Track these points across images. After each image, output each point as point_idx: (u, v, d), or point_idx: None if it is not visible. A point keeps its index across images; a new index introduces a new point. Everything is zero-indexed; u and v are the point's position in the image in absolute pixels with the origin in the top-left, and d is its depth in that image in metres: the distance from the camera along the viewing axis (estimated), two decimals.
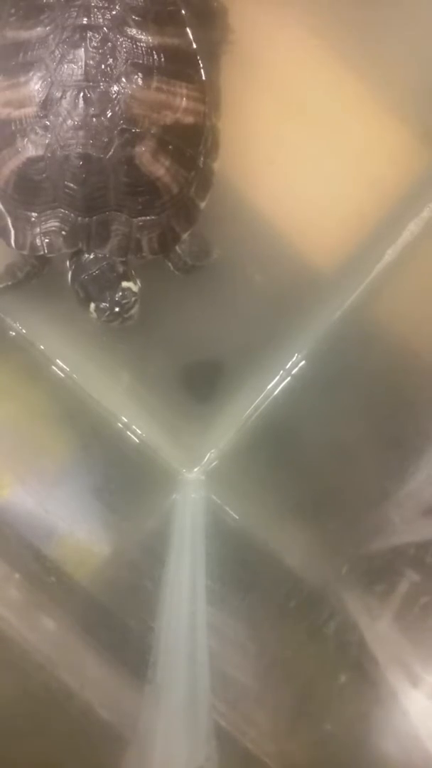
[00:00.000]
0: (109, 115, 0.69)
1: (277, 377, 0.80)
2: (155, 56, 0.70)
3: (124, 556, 0.78)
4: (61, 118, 0.69)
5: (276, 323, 0.81)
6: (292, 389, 0.80)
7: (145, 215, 0.72)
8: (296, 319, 0.81)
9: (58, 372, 0.80)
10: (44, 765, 0.67)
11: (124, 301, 0.73)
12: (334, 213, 0.82)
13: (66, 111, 0.69)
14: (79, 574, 0.76)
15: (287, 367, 0.80)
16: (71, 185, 0.70)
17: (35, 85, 0.69)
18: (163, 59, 0.70)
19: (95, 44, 0.69)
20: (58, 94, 0.69)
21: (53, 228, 0.72)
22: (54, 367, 0.80)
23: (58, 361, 0.80)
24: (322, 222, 0.81)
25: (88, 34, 0.69)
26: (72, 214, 0.71)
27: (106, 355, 0.81)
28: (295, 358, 0.80)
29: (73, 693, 0.69)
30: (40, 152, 0.69)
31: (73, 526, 0.78)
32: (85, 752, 0.70)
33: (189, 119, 0.72)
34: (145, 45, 0.70)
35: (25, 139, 0.70)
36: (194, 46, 0.73)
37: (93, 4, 0.69)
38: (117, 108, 0.69)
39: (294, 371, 0.80)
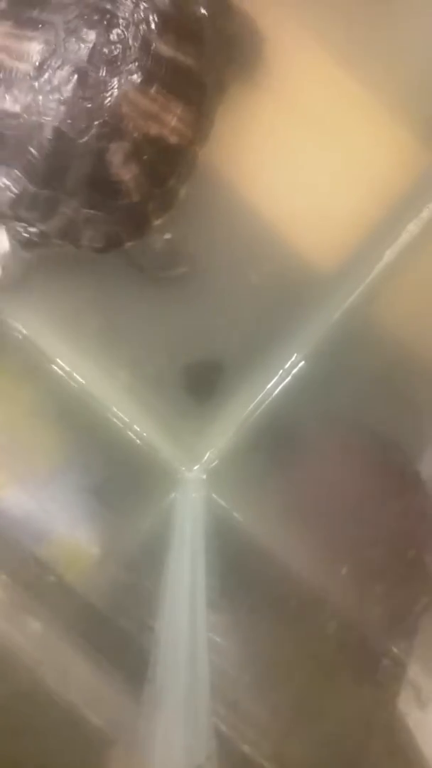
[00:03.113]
0: (96, 103, 0.68)
1: (277, 377, 0.80)
2: (163, 67, 0.69)
3: (123, 555, 0.78)
4: (49, 87, 0.68)
5: (275, 323, 0.81)
6: (292, 389, 0.80)
7: (95, 209, 0.72)
8: (295, 320, 0.81)
9: (58, 371, 0.80)
10: (42, 766, 0.67)
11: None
12: (333, 213, 0.82)
13: (57, 82, 0.68)
14: (78, 574, 0.76)
15: (286, 367, 0.80)
16: (34, 153, 0.69)
17: (38, 46, 0.68)
18: (169, 73, 0.70)
19: (109, 32, 0.68)
20: (56, 64, 0.68)
21: (2, 185, 0.70)
22: (54, 366, 0.80)
23: (57, 360, 0.80)
24: (322, 222, 0.81)
25: (106, 20, 0.68)
26: (25, 180, 0.70)
27: (105, 355, 0.81)
28: (294, 358, 0.80)
29: (73, 691, 0.69)
30: (17, 109, 0.68)
31: (73, 526, 0.78)
32: (84, 752, 0.70)
33: (173, 139, 0.71)
34: (157, 52, 0.69)
35: (8, 91, 0.69)
36: (206, 74, 0.72)
37: None
38: (107, 100, 0.68)
39: (293, 371, 0.80)
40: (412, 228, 0.81)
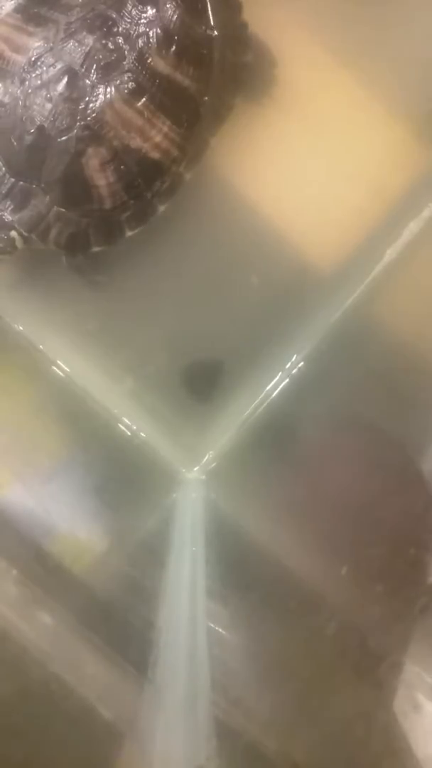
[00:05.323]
0: (80, 107, 0.69)
1: (276, 378, 0.80)
2: (156, 83, 0.70)
3: (123, 555, 0.79)
4: (39, 82, 0.69)
5: (275, 324, 0.81)
6: (291, 390, 0.80)
7: (67, 209, 0.72)
8: (295, 320, 0.81)
9: (59, 372, 0.81)
10: (43, 764, 0.67)
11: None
12: (334, 213, 0.82)
13: (47, 80, 0.69)
14: (79, 574, 0.76)
15: (286, 367, 0.80)
16: (15, 143, 0.70)
17: (36, 42, 0.69)
18: (161, 89, 0.70)
19: (108, 39, 0.69)
20: (50, 61, 0.69)
21: None
22: (54, 368, 0.81)
23: (58, 361, 0.81)
24: (322, 222, 0.81)
25: (107, 27, 0.69)
26: (4, 168, 0.71)
27: (106, 356, 0.81)
28: (294, 358, 0.80)
29: (73, 691, 0.69)
30: (6, 99, 0.70)
31: (73, 525, 0.78)
32: (84, 751, 0.70)
33: (155, 155, 0.71)
34: (152, 67, 0.69)
35: (1, 80, 0.70)
36: (205, 98, 0.72)
37: (130, 5, 0.69)
38: (92, 105, 0.69)
39: (293, 372, 0.80)
40: (413, 227, 0.81)
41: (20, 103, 0.69)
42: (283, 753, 0.72)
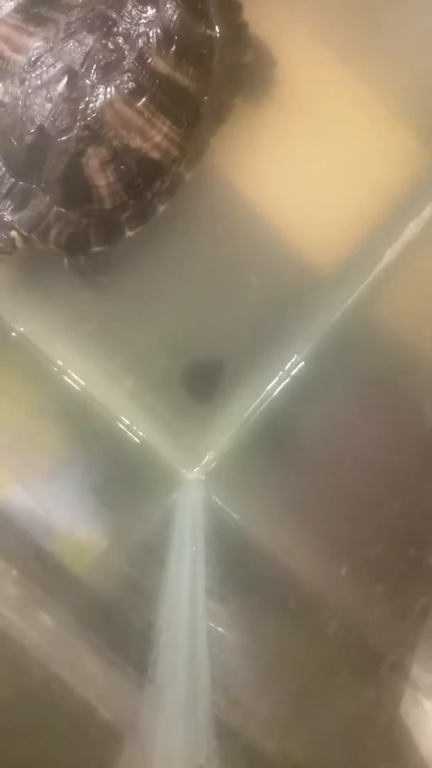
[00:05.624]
0: (81, 107, 0.69)
1: (276, 378, 0.80)
2: (156, 83, 0.70)
3: (123, 555, 0.79)
4: (39, 82, 0.69)
5: (275, 324, 0.81)
6: (291, 390, 0.80)
7: (67, 209, 0.72)
8: (296, 320, 0.81)
9: (59, 372, 0.81)
10: (43, 764, 0.67)
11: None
12: (334, 213, 0.82)
13: (47, 80, 0.69)
14: (79, 574, 0.76)
15: (286, 368, 0.80)
16: (15, 143, 0.70)
17: (37, 42, 0.69)
18: (161, 89, 0.70)
19: (108, 39, 0.69)
20: (50, 61, 0.69)
21: None
22: (54, 368, 0.81)
23: (58, 362, 0.81)
24: (322, 222, 0.81)
25: (107, 27, 0.69)
26: (2, 166, 0.71)
27: (106, 356, 0.81)
28: (294, 359, 0.80)
29: (73, 691, 0.69)
30: (6, 99, 0.70)
31: (73, 525, 0.78)
32: (85, 751, 0.70)
33: (155, 155, 0.72)
34: (152, 68, 0.69)
35: (1, 80, 0.70)
36: (205, 98, 0.72)
37: (130, 5, 0.69)
38: (92, 105, 0.69)
39: (293, 372, 0.80)
40: (413, 227, 0.81)
41: (20, 103, 0.69)
42: (283, 753, 0.72)
